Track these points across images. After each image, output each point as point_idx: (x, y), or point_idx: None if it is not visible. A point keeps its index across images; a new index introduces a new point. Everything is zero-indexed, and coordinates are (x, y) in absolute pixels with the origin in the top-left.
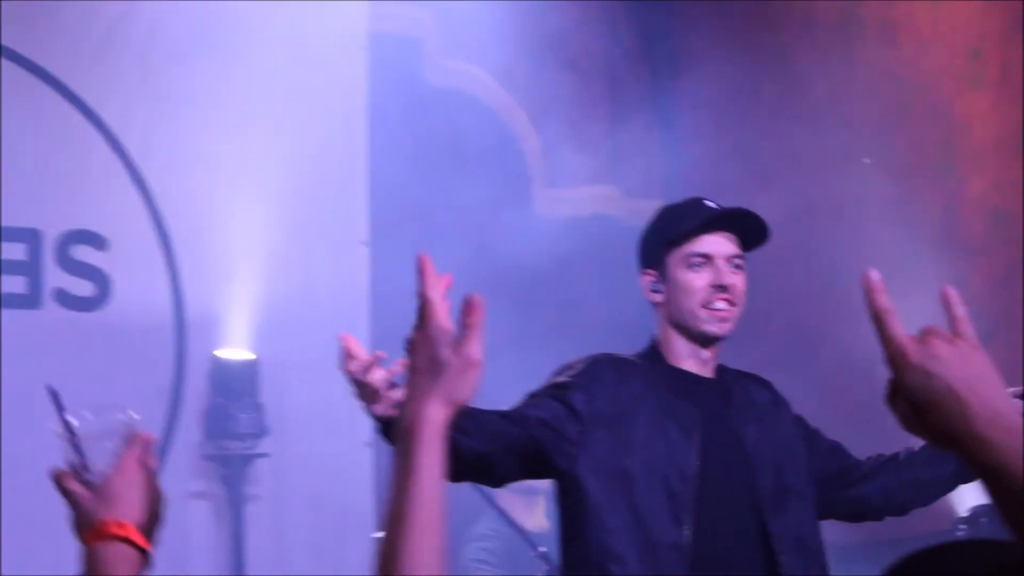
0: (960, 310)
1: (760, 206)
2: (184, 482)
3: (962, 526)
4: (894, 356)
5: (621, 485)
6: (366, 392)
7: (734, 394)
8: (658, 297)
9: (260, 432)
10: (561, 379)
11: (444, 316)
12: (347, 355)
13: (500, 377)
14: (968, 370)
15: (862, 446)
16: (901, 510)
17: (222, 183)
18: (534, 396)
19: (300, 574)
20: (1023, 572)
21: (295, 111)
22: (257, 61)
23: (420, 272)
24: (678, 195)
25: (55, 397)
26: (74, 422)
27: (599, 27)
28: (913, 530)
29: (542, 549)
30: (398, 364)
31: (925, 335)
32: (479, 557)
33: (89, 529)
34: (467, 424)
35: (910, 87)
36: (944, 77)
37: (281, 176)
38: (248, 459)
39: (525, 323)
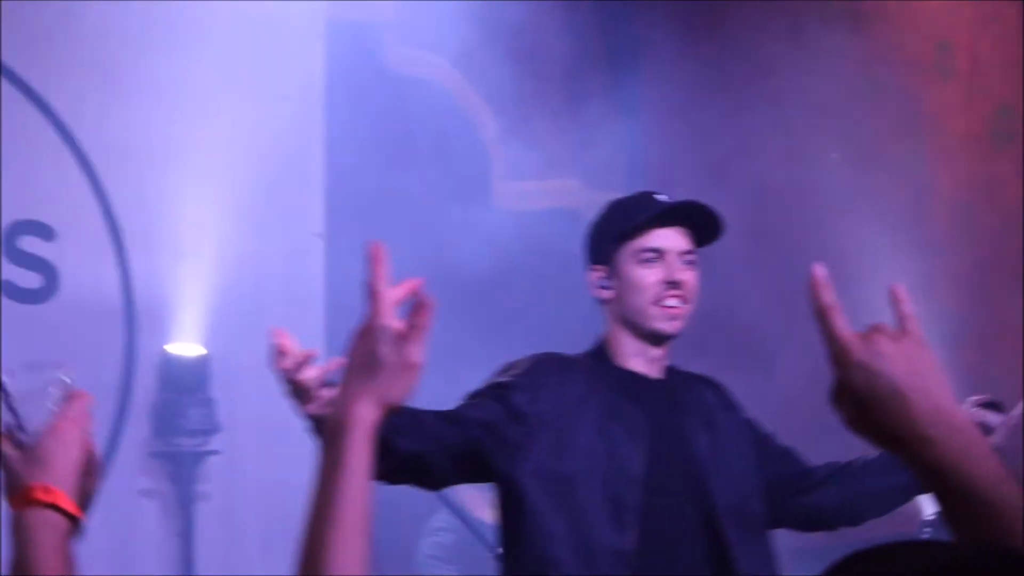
0: (908, 307)
1: (722, 198)
2: (132, 480)
3: (927, 528)
4: (838, 354)
5: (562, 489)
6: (298, 390)
7: (683, 396)
8: (607, 294)
9: (211, 429)
10: (503, 379)
11: (390, 312)
12: (279, 352)
13: (457, 375)
14: (912, 368)
15: (829, 454)
16: (855, 520)
17: (174, 173)
18: (474, 396)
19: (251, 575)
20: (966, 573)
21: (250, 100)
22: (212, 49)
23: (370, 262)
24: (639, 187)
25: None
26: (7, 381)
27: (558, 17)
28: (878, 532)
29: (500, 550)
30: (332, 362)
31: (870, 332)
32: (432, 552)
33: (16, 493)
34: (403, 423)
35: (878, 78)
36: (913, 69)
37: (235, 166)
38: (198, 456)
39: (483, 317)
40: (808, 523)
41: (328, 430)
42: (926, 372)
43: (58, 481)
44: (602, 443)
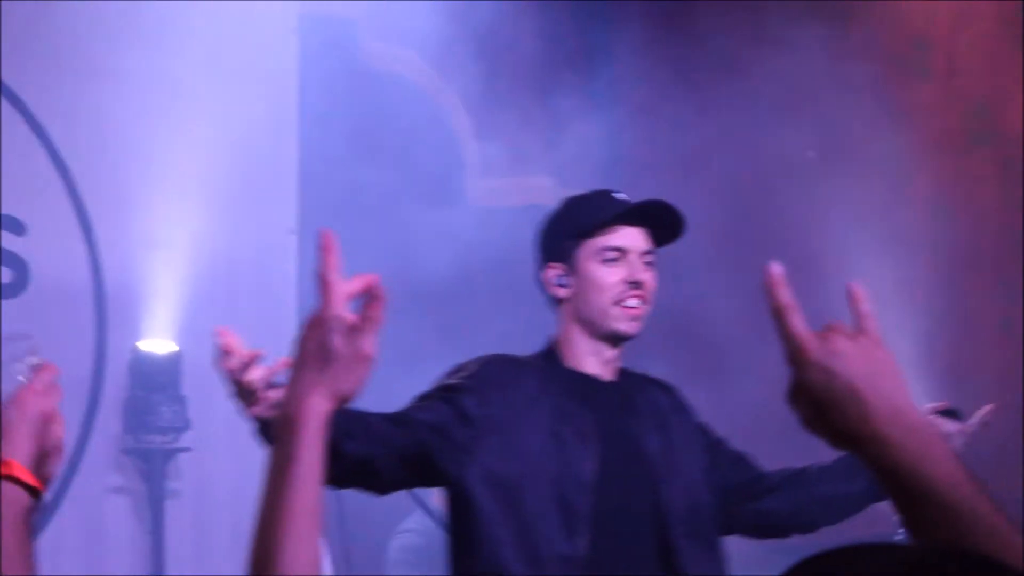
0: (865, 307)
1: (695, 195)
2: (102, 477)
3: (901, 530)
4: (794, 353)
5: (511, 494)
6: (243, 392)
7: (635, 398)
8: (564, 292)
9: (182, 426)
10: (452, 381)
11: (341, 303)
12: (223, 352)
13: (427, 373)
14: (870, 368)
15: (798, 460)
16: (807, 527)
17: (147, 168)
18: (423, 398)
19: (222, 574)
20: (928, 573)
21: (223, 94)
22: (185, 43)
23: (322, 252)
24: (612, 184)
25: None
26: None
27: (531, 14)
28: (852, 533)
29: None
30: (279, 363)
31: (827, 331)
32: (400, 556)
33: None
34: (351, 427)
35: (856, 77)
36: (889, 67)
37: (208, 162)
38: (169, 454)
39: (452, 315)
40: (759, 529)
41: (279, 424)
42: (884, 372)
43: (17, 453)
44: (553, 447)
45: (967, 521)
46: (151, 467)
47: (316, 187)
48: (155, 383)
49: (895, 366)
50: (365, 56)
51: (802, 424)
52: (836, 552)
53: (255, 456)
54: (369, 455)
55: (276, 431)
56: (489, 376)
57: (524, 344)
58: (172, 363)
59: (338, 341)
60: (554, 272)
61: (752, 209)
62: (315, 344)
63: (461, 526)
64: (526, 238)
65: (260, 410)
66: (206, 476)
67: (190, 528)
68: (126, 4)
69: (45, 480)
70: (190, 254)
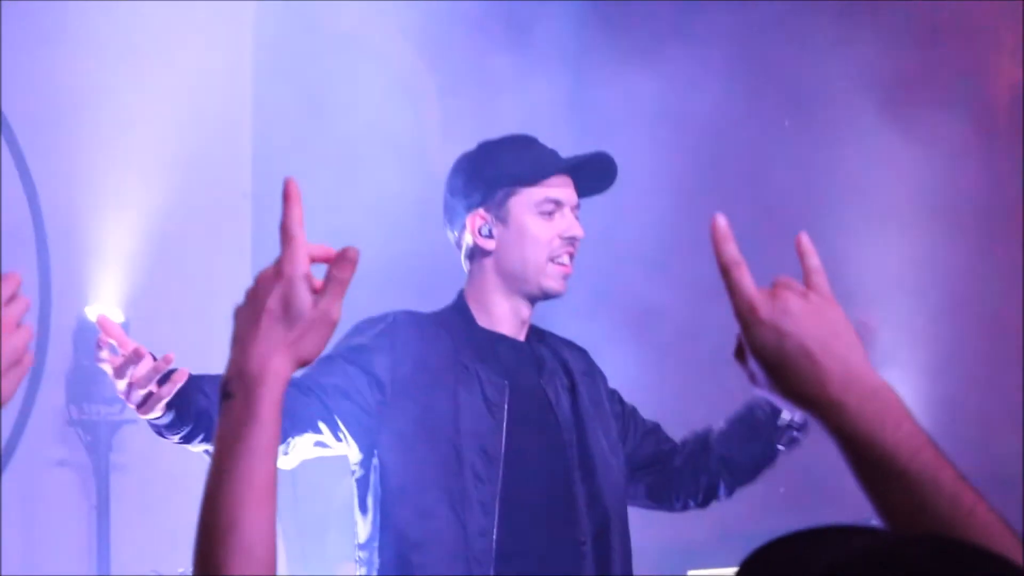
0: (814, 260)
1: (660, 152)
2: (46, 449)
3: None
4: (743, 311)
5: (422, 464)
6: (128, 389)
7: (546, 360)
8: (490, 243)
9: None
10: (359, 340)
11: (305, 258)
12: (100, 345)
13: None
14: (822, 328)
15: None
16: (709, 494)
17: (95, 131)
18: (327, 360)
19: (168, 549)
20: (890, 557)
21: (175, 54)
22: (137, 3)
23: (285, 200)
24: (576, 142)
25: None
26: None
27: None
28: (832, 518)
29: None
30: (164, 358)
31: (776, 288)
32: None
33: None
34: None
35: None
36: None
37: (158, 124)
38: (115, 425)
39: (415, 287)
40: (662, 498)
41: (239, 379)
42: (836, 332)
43: None
44: (463, 415)
45: (929, 489)
46: (96, 439)
47: (270, 150)
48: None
49: (848, 325)
50: (321, 13)
51: (750, 383)
52: (800, 535)
53: None
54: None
55: (228, 389)
56: (399, 335)
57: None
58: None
59: (305, 301)
60: (479, 221)
61: (727, 172)
62: (278, 302)
63: (368, 494)
64: None
65: (146, 411)
66: (152, 449)
67: (136, 502)
68: None
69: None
70: (140, 219)
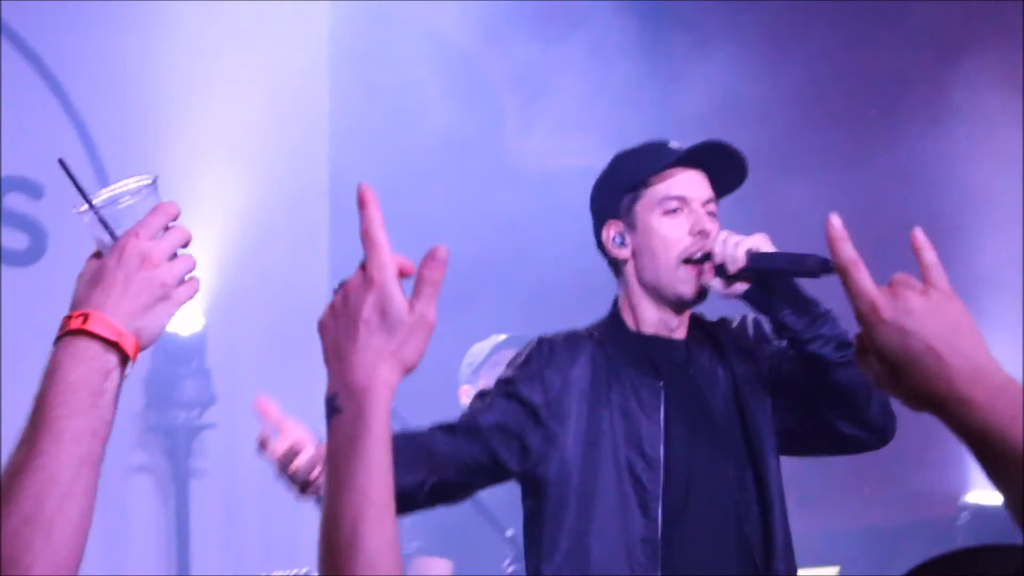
0: (931, 256)
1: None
2: (125, 454)
3: (965, 513)
4: (864, 312)
5: (585, 479)
6: (292, 477)
7: (701, 355)
8: (623, 252)
9: (207, 401)
10: (508, 374)
11: (390, 262)
12: (266, 440)
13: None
14: (946, 325)
15: None
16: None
17: (172, 132)
18: (483, 396)
19: (249, 554)
20: None
21: (253, 56)
22: (214, 4)
23: (361, 206)
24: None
25: (65, 168)
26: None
27: None
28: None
29: (509, 533)
30: (319, 448)
31: (895, 287)
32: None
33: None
34: (413, 456)
35: None
36: None
37: (236, 125)
38: (194, 430)
39: (498, 283)
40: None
41: (347, 391)
42: (960, 328)
43: (107, 304)
44: (620, 423)
45: None
46: (175, 444)
47: (347, 149)
48: (179, 356)
49: (971, 321)
50: (397, 12)
51: (874, 383)
52: (956, 555)
53: None
54: (440, 481)
55: (336, 404)
56: (543, 360)
57: (581, 313)
58: (197, 336)
59: (400, 306)
60: (612, 230)
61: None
62: (374, 310)
63: (534, 513)
64: (573, 201)
65: (310, 495)
66: (232, 453)
67: (216, 508)
68: None
69: (143, 333)
70: (218, 220)
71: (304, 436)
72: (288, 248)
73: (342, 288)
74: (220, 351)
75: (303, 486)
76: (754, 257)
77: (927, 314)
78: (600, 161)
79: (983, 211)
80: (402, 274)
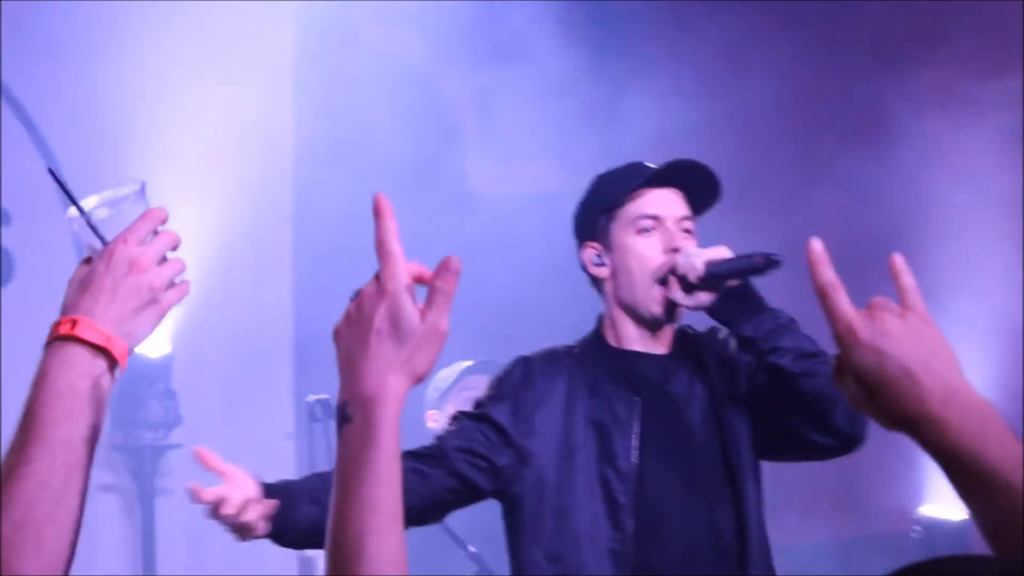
0: (909, 280)
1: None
2: (92, 474)
3: (917, 527)
4: (842, 333)
5: (559, 494)
6: (241, 528)
7: (680, 370)
8: (603, 271)
9: (173, 422)
10: (481, 395)
11: (404, 272)
12: (216, 501)
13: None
14: (921, 347)
15: None
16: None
17: (138, 159)
18: (455, 419)
19: (214, 574)
20: None
21: (217, 83)
22: (179, 33)
23: (377, 216)
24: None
25: (56, 176)
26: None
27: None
28: (870, 531)
29: (472, 549)
30: (256, 497)
31: (873, 309)
32: None
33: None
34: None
35: None
36: None
37: (200, 152)
38: (160, 450)
39: (458, 308)
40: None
41: (357, 400)
42: (935, 350)
43: (95, 309)
44: (594, 437)
45: None
46: (141, 464)
47: (311, 175)
48: (146, 378)
49: (946, 343)
50: (361, 40)
51: (851, 403)
52: (937, 562)
53: (249, 452)
54: (408, 507)
55: (345, 413)
56: (517, 381)
57: (541, 335)
58: (164, 358)
59: (412, 316)
60: (591, 251)
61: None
62: (386, 319)
63: (512, 530)
64: (532, 226)
65: (244, 538)
66: (197, 473)
67: (181, 527)
68: None
69: (131, 337)
70: (183, 245)
71: (244, 481)
72: (252, 273)
73: (357, 297)
74: (186, 373)
75: (239, 530)
76: (711, 265)
77: (903, 336)
78: (556, 186)
79: (934, 226)
80: (418, 281)
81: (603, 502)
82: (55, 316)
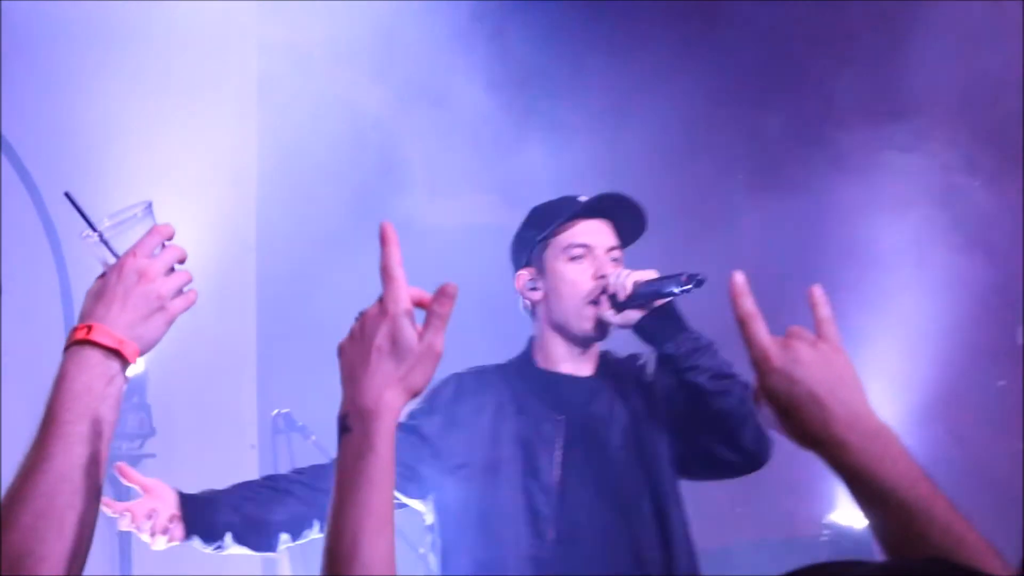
0: (825, 311)
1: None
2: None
3: (826, 532)
4: (758, 360)
5: (483, 505)
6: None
7: (606, 388)
8: (536, 295)
9: (147, 433)
10: (413, 407)
11: (406, 296)
12: (107, 503)
13: None
14: (829, 374)
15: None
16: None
17: (107, 183)
18: None
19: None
20: None
21: (182, 114)
22: (145, 67)
23: (383, 243)
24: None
25: (72, 200)
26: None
27: (487, 33)
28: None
29: (421, 550)
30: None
31: (788, 338)
32: None
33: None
34: (310, 484)
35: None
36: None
37: (167, 179)
38: (135, 459)
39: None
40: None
41: (355, 413)
42: (843, 378)
43: (108, 316)
44: (519, 452)
45: (924, 518)
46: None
47: (274, 208)
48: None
49: (853, 372)
50: (323, 81)
51: (768, 425)
52: (816, 568)
53: (216, 462)
54: (311, 516)
55: (345, 424)
56: (448, 394)
57: (481, 360)
58: (139, 375)
59: (411, 336)
60: (526, 276)
61: (694, 227)
62: (386, 338)
63: (439, 543)
64: (473, 257)
65: (160, 545)
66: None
67: None
68: (87, 12)
69: (141, 341)
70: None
71: (163, 492)
72: (219, 297)
73: (361, 317)
74: (159, 388)
75: (155, 535)
76: (639, 284)
77: (813, 364)
78: (495, 219)
79: (875, 262)
80: (418, 305)
81: (526, 512)
82: (35, 333)
